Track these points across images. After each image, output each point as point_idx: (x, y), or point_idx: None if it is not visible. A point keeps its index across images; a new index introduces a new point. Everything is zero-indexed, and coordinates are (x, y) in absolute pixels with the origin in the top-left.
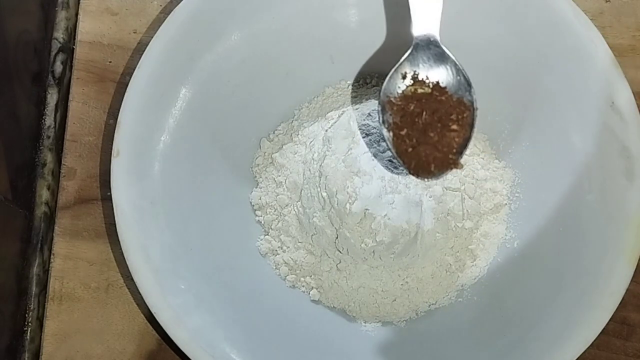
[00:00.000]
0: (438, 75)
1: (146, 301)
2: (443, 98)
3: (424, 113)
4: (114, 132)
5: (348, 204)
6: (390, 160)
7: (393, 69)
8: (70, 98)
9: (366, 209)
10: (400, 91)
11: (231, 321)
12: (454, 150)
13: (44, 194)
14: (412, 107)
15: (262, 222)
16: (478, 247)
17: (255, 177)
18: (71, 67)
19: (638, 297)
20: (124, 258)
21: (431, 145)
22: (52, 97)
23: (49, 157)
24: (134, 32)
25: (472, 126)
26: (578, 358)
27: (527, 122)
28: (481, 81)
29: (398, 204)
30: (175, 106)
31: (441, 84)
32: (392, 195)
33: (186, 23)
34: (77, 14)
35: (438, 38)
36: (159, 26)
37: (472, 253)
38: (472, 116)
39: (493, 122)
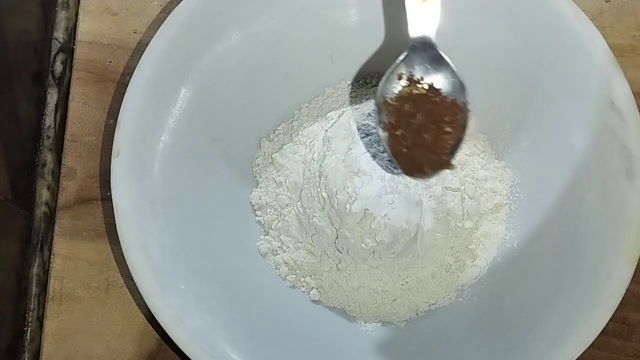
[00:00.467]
0: (433, 77)
1: (146, 301)
2: (437, 99)
3: (419, 114)
4: (114, 132)
5: (348, 204)
6: (389, 160)
7: (389, 70)
8: (70, 98)
9: (366, 209)
10: (396, 92)
11: (231, 321)
12: (447, 152)
13: (44, 194)
14: (407, 108)
15: (262, 222)
16: (478, 247)
17: (255, 177)
18: (71, 67)
19: (638, 297)
20: (124, 258)
21: (425, 147)
22: (52, 97)
23: (49, 157)
24: (134, 32)
25: (464, 127)
26: (578, 358)
27: (527, 122)
28: (481, 81)
29: (398, 204)
30: (175, 106)
31: (436, 86)
32: (392, 195)
33: (186, 23)
34: (77, 14)
35: (434, 40)
36: (159, 26)
37: (472, 253)
38: (465, 118)
39: (493, 122)
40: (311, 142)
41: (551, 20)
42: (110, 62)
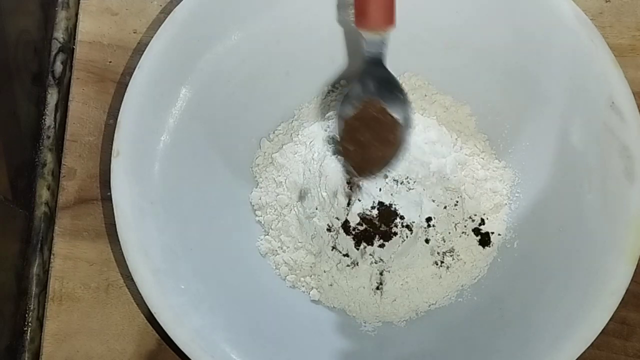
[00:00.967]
0: (383, 97)
1: (146, 301)
2: (384, 119)
3: (366, 133)
4: (114, 132)
5: (348, 204)
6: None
7: (345, 92)
8: (70, 98)
9: (366, 210)
10: (350, 113)
11: (231, 321)
12: (387, 160)
13: (44, 194)
14: (357, 126)
15: (262, 222)
16: (478, 247)
17: (255, 177)
18: (71, 67)
19: (638, 297)
20: (124, 258)
21: (371, 159)
22: (52, 97)
23: (49, 157)
24: (134, 32)
25: (403, 141)
26: (578, 358)
27: (527, 122)
28: (481, 81)
29: (398, 205)
30: (175, 106)
31: (384, 107)
32: (392, 195)
33: (186, 23)
34: (77, 14)
35: (384, 61)
36: (159, 26)
37: (472, 252)
38: (404, 133)
39: (493, 122)
40: (311, 142)
41: (551, 20)
42: (110, 62)
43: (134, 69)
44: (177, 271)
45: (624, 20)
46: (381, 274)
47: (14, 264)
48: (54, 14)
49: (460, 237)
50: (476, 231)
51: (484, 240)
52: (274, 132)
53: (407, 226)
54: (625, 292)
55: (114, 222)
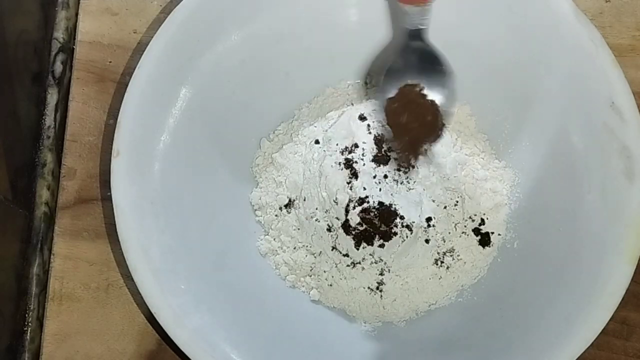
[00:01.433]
0: (425, 72)
1: (146, 301)
2: (422, 102)
3: (407, 114)
4: (114, 132)
5: (348, 204)
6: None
7: (385, 70)
8: (70, 98)
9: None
10: (392, 91)
11: (231, 321)
12: (430, 140)
13: (44, 194)
14: (397, 108)
15: (262, 222)
16: (478, 247)
17: (255, 177)
18: (71, 67)
19: (638, 297)
20: (124, 258)
21: (413, 140)
22: (52, 97)
23: (49, 157)
24: (134, 32)
25: (442, 120)
26: (578, 358)
27: (527, 122)
28: (482, 81)
29: (398, 204)
30: (175, 106)
31: (421, 90)
32: (392, 195)
33: (186, 23)
34: (77, 14)
35: (426, 33)
36: (159, 26)
37: (472, 252)
38: (443, 113)
39: (493, 122)
40: (311, 142)
41: (551, 20)
42: (110, 62)
43: (134, 69)
44: (177, 271)
45: (624, 20)
46: (381, 274)
47: (14, 264)
48: (54, 14)
49: (460, 237)
50: (476, 231)
51: (484, 240)
52: (274, 132)
53: (407, 226)
54: (625, 292)
55: (114, 222)
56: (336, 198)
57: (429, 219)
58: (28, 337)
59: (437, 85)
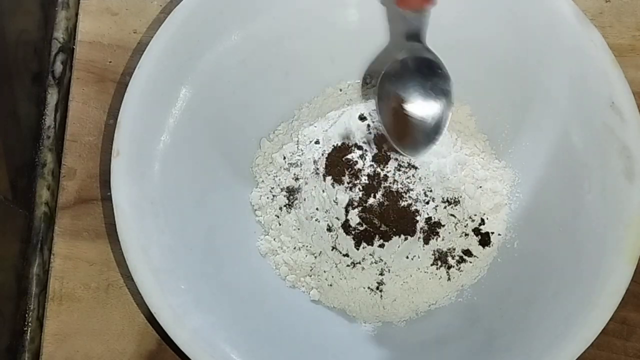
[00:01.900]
0: (422, 75)
1: (146, 301)
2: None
3: (399, 124)
4: (114, 132)
5: (348, 205)
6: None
7: (385, 70)
8: (70, 98)
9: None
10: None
11: (231, 321)
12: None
13: (44, 194)
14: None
15: (262, 222)
16: (478, 247)
17: (255, 177)
18: (71, 67)
19: (638, 297)
20: (124, 258)
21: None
22: (52, 97)
23: (49, 157)
24: (134, 32)
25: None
26: (578, 358)
27: (527, 122)
28: (481, 81)
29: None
30: (175, 106)
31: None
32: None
33: (186, 23)
34: (77, 14)
35: (424, 37)
36: (159, 26)
37: (472, 253)
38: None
39: (493, 122)
40: (311, 142)
41: (551, 20)
42: (110, 62)
43: (134, 69)
44: (177, 271)
45: (624, 20)
46: (381, 274)
47: (14, 264)
48: (54, 14)
49: (460, 237)
50: (476, 231)
51: (484, 240)
52: (274, 132)
53: (428, 220)
54: (625, 292)
55: (114, 222)
56: (336, 198)
57: (429, 219)
58: (28, 337)
59: (435, 89)
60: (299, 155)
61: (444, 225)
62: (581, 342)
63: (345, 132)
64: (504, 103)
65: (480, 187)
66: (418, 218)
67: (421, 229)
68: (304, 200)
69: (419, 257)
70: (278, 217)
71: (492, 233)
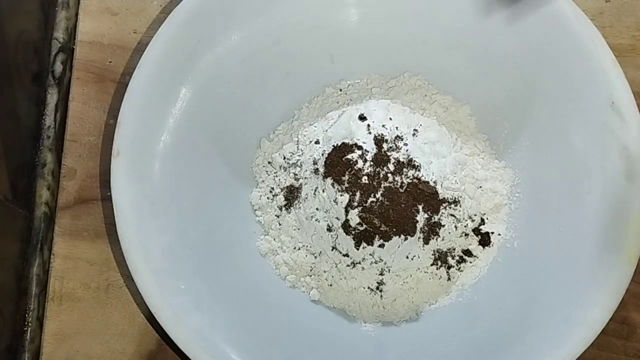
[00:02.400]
0: None
1: (146, 301)
2: None
3: None
4: (114, 132)
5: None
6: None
7: None
8: (70, 98)
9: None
10: None
11: (231, 321)
12: None
13: (44, 194)
14: None
15: (262, 222)
16: (478, 247)
17: (255, 177)
18: (71, 67)
19: (638, 297)
20: (124, 258)
21: None
22: (52, 97)
23: (49, 157)
24: (134, 32)
25: None
26: (578, 358)
27: (527, 122)
28: (481, 81)
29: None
30: (175, 106)
31: None
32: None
33: (186, 23)
34: (77, 14)
35: None
36: (159, 26)
37: (472, 253)
38: None
39: (493, 122)
40: (311, 142)
41: (551, 20)
42: (110, 62)
43: (134, 69)
44: (177, 271)
45: (624, 20)
46: (381, 274)
47: (14, 264)
48: (54, 14)
49: (460, 237)
50: (476, 231)
51: (484, 240)
52: (274, 132)
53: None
54: (625, 292)
55: (114, 222)
56: (336, 198)
57: (429, 219)
58: (28, 337)
59: None
60: (299, 155)
61: (444, 225)
62: (581, 342)
63: (345, 132)
64: (504, 103)
65: (480, 187)
66: (418, 218)
67: (421, 229)
68: (304, 200)
69: (419, 257)
70: (278, 217)
71: (492, 233)
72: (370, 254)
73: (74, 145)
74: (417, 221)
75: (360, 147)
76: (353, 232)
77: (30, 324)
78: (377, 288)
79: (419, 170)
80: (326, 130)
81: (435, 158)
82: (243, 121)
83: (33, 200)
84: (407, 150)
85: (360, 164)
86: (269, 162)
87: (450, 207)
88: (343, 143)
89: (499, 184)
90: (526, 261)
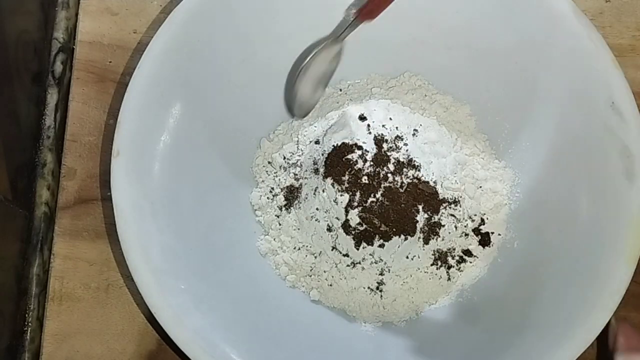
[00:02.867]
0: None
1: (146, 301)
2: None
3: None
4: (114, 132)
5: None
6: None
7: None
8: (70, 98)
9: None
10: None
11: (231, 321)
12: None
13: (44, 194)
14: None
15: (262, 222)
16: (478, 247)
17: (255, 177)
18: (71, 67)
19: (638, 297)
20: (124, 258)
21: None
22: (52, 97)
23: (49, 157)
24: (134, 32)
25: None
26: (578, 358)
27: (527, 122)
28: (481, 81)
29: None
30: (175, 106)
31: None
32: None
33: (186, 23)
34: (77, 14)
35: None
36: (159, 26)
37: (472, 253)
38: None
39: (493, 122)
40: (311, 142)
41: (551, 20)
42: (110, 62)
43: (134, 69)
44: (177, 271)
45: (624, 20)
46: (381, 274)
47: (14, 264)
48: (54, 14)
49: (460, 237)
50: (476, 231)
51: (484, 240)
52: (274, 132)
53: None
54: (625, 292)
55: (114, 222)
56: (336, 198)
57: (429, 219)
58: (28, 337)
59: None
60: (299, 155)
61: (444, 225)
62: (581, 342)
63: (345, 132)
64: (504, 103)
65: (480, 187)
66: (418, 218)
67: (421, 229)
68: (304, 200)
69: (419, 257)
70: (278, 217)
71: (492, 233)
72: (370, 254)
73: (74, 145)
74: (417, 221)
75: (360, 147)
76: (353, 232)
77: (30, 324)
78: (377, 288)
79: (419, 170)
80: (326, 130)
81: (435, 158)
82: (243, 121)
83: (33, 200)
84: (407, 150)
85: (360, 164)
86: (269, 162)
87: (450, 207)
88: (343, 143)
89: (499, 184)
90: (526, 261)
